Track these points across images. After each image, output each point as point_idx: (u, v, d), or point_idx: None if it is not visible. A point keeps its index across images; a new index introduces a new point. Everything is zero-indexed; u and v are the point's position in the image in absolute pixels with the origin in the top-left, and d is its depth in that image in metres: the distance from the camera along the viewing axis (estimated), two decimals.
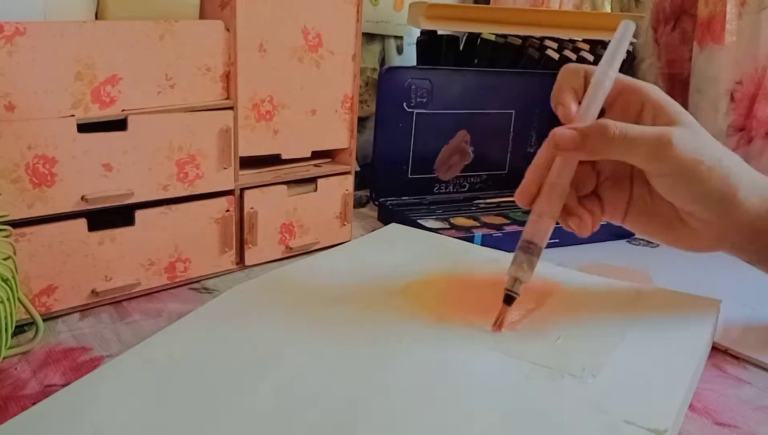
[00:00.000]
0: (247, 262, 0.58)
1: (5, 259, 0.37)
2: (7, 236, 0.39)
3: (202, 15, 0.53)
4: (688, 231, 0.42)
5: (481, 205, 0.79)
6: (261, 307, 0.43)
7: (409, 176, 0.79)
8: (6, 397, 0.37)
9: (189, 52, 0.50)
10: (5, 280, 0.37)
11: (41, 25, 0.42)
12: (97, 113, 0.46)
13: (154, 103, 0.48)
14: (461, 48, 0.87)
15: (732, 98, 0.83)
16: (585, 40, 0.86)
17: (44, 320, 0.43)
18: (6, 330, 0.37)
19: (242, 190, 0.56)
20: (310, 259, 0.52)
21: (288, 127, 0.58)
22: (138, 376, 0.34)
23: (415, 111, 0.77)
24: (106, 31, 0.45)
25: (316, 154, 0.62)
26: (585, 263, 0.57)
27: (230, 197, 0.55)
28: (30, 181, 0.43)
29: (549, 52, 0.84)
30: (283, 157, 0.59)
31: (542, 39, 0.84)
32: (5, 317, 0.37)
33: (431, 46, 0.85)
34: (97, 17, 0.49)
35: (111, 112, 0.46)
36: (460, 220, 0.71)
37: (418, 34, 0.86)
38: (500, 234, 0.66)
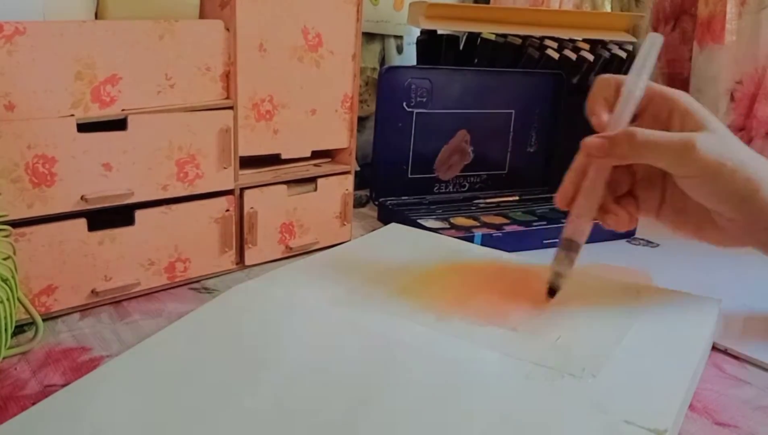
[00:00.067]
0: (247, 262, 0.58)
1: (5, 259, 0.37)
2: (6, 236, 0.39)
3: (202, 15, 0.53)
4: (717, 228, 0.44)
5: (481, 205, 0.79)
6: (261, 307, 0.43)
7: (409, 176, 0.79)
8: (6, 397, 0.37)
9: (189, 51, 0.50)
10: (5, 280, 0.37)
11: (41, 25, 0.42)
12: (97, 113, 0.46)
13: (154, 103, 0.48)
14: (461, 48, 0.87)
15: (732, 98, 0.83)
16: (585, 40, 0.86)
17: (44, 320, 0.43)
18: (6, 330, 0.37)
19: (242, 189, 0.56)
20: (310, 259, 0.51)
21: (288, 127, 0.58)
22: (138, 376, 0.34)
23: (415, 111, 0.77)
24: (106, 30, 0.45)
25: (316, 154, 0.62)
26: (585, 263, 0.57)
27: (230, 197, 0.55)
28: (30, 180, 0.43)
29: (549, 51, 0.84)
30: (283, 156, 0.59)
31: (542, 39, 0.84)
32: (5, 317, 0.36)
33: (431, 46, 0.85)
34: (97, 17, 0.48)
35: (111, 112, 0.46)
36: (460, 220, 0.71)
37: (418, 34, 0.86)
38: (500, 234, 0.66)
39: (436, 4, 0.80)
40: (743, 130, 0.81)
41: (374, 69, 0.92)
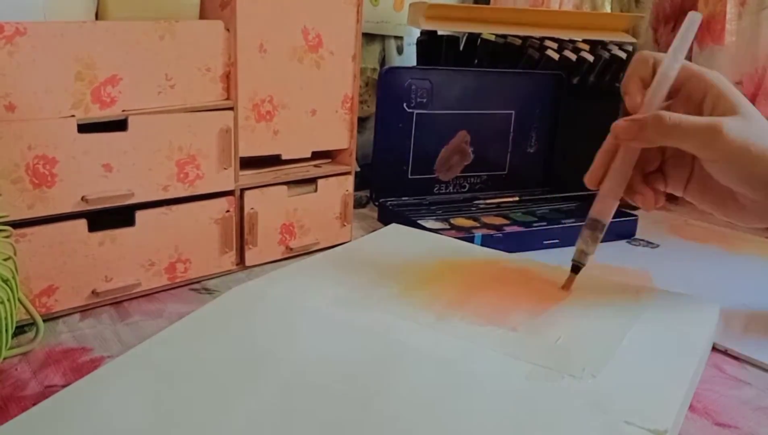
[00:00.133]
0: (248, 263, 0.58)
1: (5, 260, 0.37)
2: (7, 237, 0.39)
3: (202, 15, 0.53)
4: (740, 207, 0.45)
5: (481, 206, 0.79)
6: (261, 308, 0.43)
7: (409, 176, 0.79)
8: (6, 397, 0.37)
9: (189, 52, 0.50)
10: (5, 281, 0.37)
11: (41, 25, 0.42)
12: (97, 113, 0.46)
13: (154, 104, 0.48)
14: (461, 48, 0.87)
15: None
16: (585, 41, 0.86)
17: (44, 321, 0.44)
18: (6, 330, 0.37)
19: (242, 190, 0.56)
20: (311, 260, 0.51)
21: (288, 128, 0.58)
22: (138, 376, 0.34)
23: (415, 111, 0.77)
24: (106, 31, 0.45)
25: (316, 155, 0.62)
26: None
27: (230, 198, 0.55)
28: (30, 181, 0.43)
29: (549, 52, 0.84)
30: (283, 157, 0.59)
31: (542, 39, 0.84)
32: (5, 318, 0.37)
33: (431, 46, 0.85)
34: (97, 17, 0.49)
35: (111, 113, 0.46)
36: (460, 221, 0.71)
37: (418, 34, 0.86)
38: (500, 234, 0.66)
39: (436, 5, 0.80)
40: None
41: (374, 69, 0.92)
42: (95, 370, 0.35)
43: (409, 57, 0.96)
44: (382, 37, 0.93)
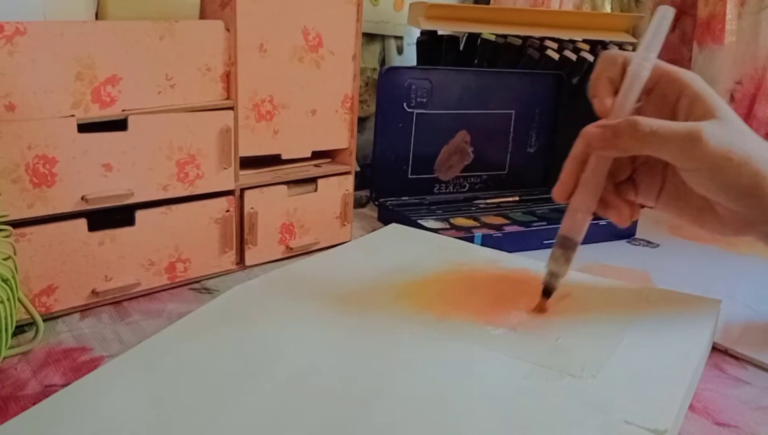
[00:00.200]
0: (247, 263, 0.58)
1: (5, 259, 0.37)
2: (7, 236, 0.39)
3: (202, 15, 0.53)
4: (717, 217, 0.43)
5: (481, 206, 0.79)
6: (261, 308, 0.43)
7: (409, 176, 0.79)
8: (6, 397, 0.37)
9: (189, 52, 0.50)
10: (5, 280, 0.37)
11: (41, 25, 0.42)
12: (97, 113, 0.46)
13: (154, 103, 0.48)
14: (461, 48, 0.87)
15: (732, 98, 0.83)
16: (585, 40, 0.86)
17: (44, 320, 0.43)
18: (6, 330, 0.37)
19: (242, 190, 0.56)
20: (310, 260, 0.52)
21: (288, 127, 0.58)
22: (138, 376, 0.34)
23: (415, 111, 0.77)
24: (106, 31, 0.45)
25: (316, 154, 0.62)
26: (585, 263, 0.57)
27: (230, 197, 0.55)
28: (30, 181, 0.43)
29: (549, 52, 0.84)
30: (283, 157, 0.59)
31: (542, 39, 0.84)
32: (5, 317, 0.36)
33: (431, 46, 0.85)
34: (97, 17, 0.49)
35: (111, 112, 0.46)
36: (460, 221, 0.71)
37: (418, 34, 0.86)
38: (500, 234, 0.66)
39: (437, 5, 0.80)
40: None
41: (374, 69, 0.92)
42: (95, 370, 0.35)
43: (409, 57, 0.96)
44: (382, 37, 0.93)
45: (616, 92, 0.42)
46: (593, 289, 0.47)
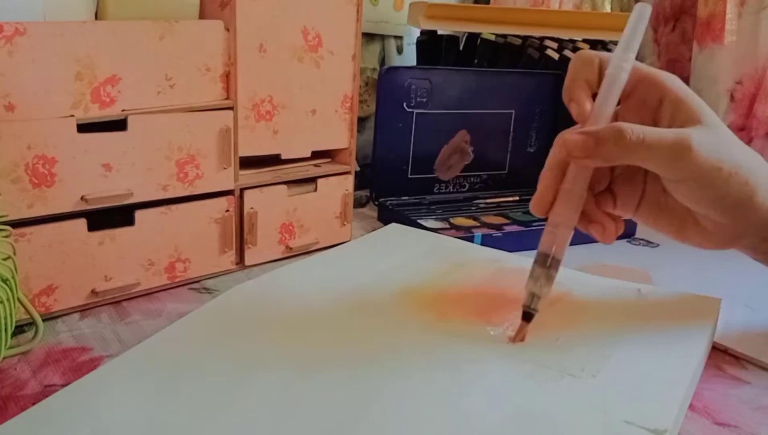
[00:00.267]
0: (247, 262, 0.58)
1: (5, 259, 0.37)
2: (7, 236, 0.39)
3: (202, 15, 0.53)
4: (701, 230, 0.41)
5: (481, 205, 0.79)
6: (261, 307, 0.43)
7: (409, 176, 0.79)
8: (6, 397, 0.37)
9: (189, 52, 0.50)
10: (5, 280, 0.37)
11: (41, 25, 0.42)
12: (97, 113, 0.46)
13: (154, 103, 0.48)
14: (461, 48, 0.87)
15: (732, 98, 0.83)
16: (585, 40, 0.86)
17: (44, 320, 0.43)
18: (6, 330, 0.37)
19: (242, 190, 0.56)
20: (310, 259, 0.51)
21: (288, 127, 0.58)
22: (138, 376, 0.34)
23: (415, 111, 0.77)
24: (106, 31, 0.45)
25: (316, 154, 0.62)
26: (585, 263, 0.57)
27: (230, 197, 0.55)
28: (30, 181, 0.43)
29: (549, 52, 0.84)
30: (283, 157, 0.59)
31: (542, 39, 0.84)
32: (5, 317, 0.36)
33: (431, 46, 0.85)
34: (97, 17, 0.48)
35: (111, 112, 0.46)
36: (460, 220, 0.71)
37: (418, 34, 0.86)
38: (500, 234, 0.66)
39: (436, 5, 0.80)
40: (743, 130, 0.81)
41: (374, 69, 0.92)
42: (95, 370, 0.35)
43: (409, 57, 0.96)
44: (382, 37, 0.93)
45: (593, 96, 0.39)
46: (593, 289, 0.47)
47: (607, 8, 1.00)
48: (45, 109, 0.43)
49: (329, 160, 0.65)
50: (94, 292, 0.48)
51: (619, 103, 0.40)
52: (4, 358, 0.39)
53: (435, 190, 0.81)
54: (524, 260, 0.53)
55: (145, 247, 0.50)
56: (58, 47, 0.43)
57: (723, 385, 0.41)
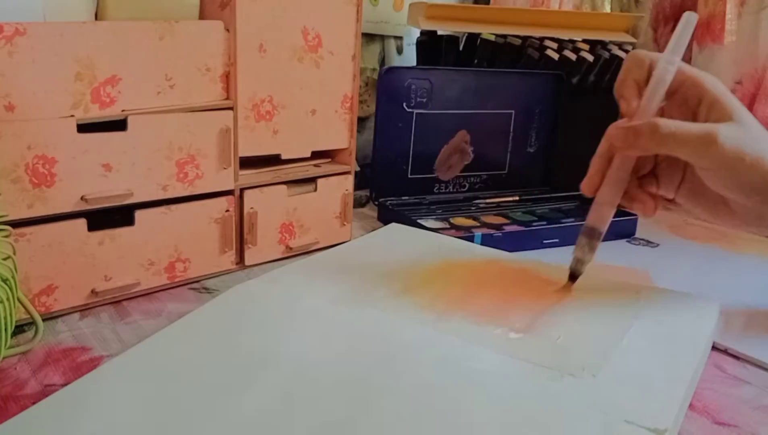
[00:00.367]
0: (247, 262, 0.58)
1: (5, 259, 0.37)
2: (7, 236, 0.39)
3: (202, 15, 0.53)
4: (730, 212, 0.45)
5: (481, 205, 0.79)
6: (261, 307, 0.43)
7: (409, 176, 0.79)
8: (6, 396, 0.37)
9: (189, 52, 0.50)
10: (5, 280, 0.37)
11: (41, 26, 0.42)
12: (97, 113, 0.46)
13: (153, 104, 0.48)
14: (461, 48, 0.87)
15: None
16: (585, 41, 0.86)
17: (44, 320, 0.44)
18: (6, 330, 0.37)
19: (242, 190, 0.56)
20: (310, 259, 0.52)
21: (288, 127, 0.58)
22: (138, 376, 0.34)
23: (415, 111, 0.77)
24: (106, 31, 0.45)
25: (316, 154, 0.62)
26: None
27: (230, 197, 0.55)
28: (30, 181, 0.43)
29: (549, 52, 0.84)
30: (283, 157, 0.59)
31: (542, 39, 0.84)
32: (5, 317, 0.37)
33: (431, 46, 0.85)
34: (97, 17, 0.49)
35: (111, 113, 0.46)
36: (460, 220, 0.71)
37: (418, 34, 0.86)
38: (500, 234, 0.66)
39: (436, 5, 0.80)
40: None
41: (374, 69, 0.92)
42: (95, 370, 0.35)
43: (409, 57, 0.96)
44: (382, 37, 0.93)
45: (640, 93, 0.44)
46: (593, 289, 0.47)
47: (607, 8, 1.00)
48: (45, 109, 0.43)
49: (329, 160, 0.65)
50: (94, 292, 0.48)
51: (664, 100, 0.45)
52: (4, 357, 0.39)
53: (435, 190, 0.81)
54: (524, 260, 0.53)
55: (145, 247, 0.50)
56: (58, 47, 0.43)
57: (723, 385, 0.41)
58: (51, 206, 0.44)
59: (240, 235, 0.57)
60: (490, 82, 0.81)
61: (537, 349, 0.38)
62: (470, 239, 0.62)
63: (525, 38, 0.84)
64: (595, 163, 0.46)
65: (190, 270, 0.53)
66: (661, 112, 0.45)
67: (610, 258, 0.62)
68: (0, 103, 0.41)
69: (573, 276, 0.47)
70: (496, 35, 0.83)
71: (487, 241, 0.63)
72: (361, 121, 0.89)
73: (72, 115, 0.44)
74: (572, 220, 0.71)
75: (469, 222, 0.71)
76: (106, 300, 0.49)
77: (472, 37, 0.85)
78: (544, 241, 0.66)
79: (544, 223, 0.71)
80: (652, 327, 0.42)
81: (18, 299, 0.39)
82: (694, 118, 0.44)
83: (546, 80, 0.84)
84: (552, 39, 0.84)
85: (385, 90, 0.75)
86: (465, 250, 0.54)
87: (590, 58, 0.85)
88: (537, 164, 0.87)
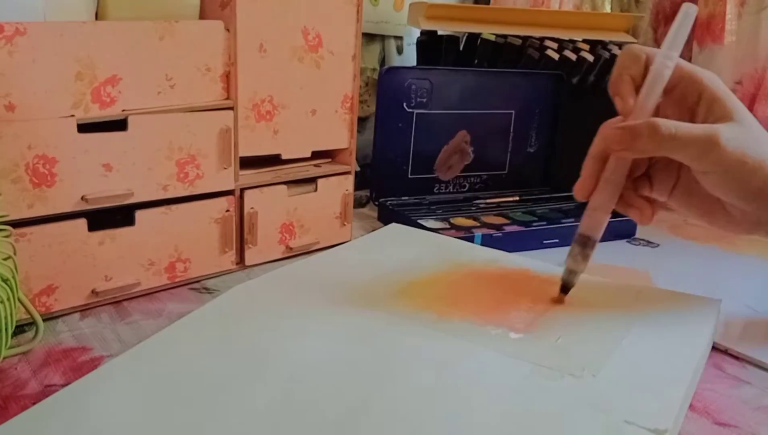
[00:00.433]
0: (247, 262, 0.58)
1: (5, 259, 0.37)
2: (7, 236, 0.39)
3: (202, 15, 0.53)
4: (727, 216, 0.43)
5: (481, 205, 0.79)
6: (261, 307, 0.43)
7: (409, 176, 0.79)
8: (6, 397, 0.37)
9: (189, 52, 0.50)
10: (5, 280, 0.37)
11: (41, 25, 0.42)
12: (97, 113, 0.46)
13: (154, 104, 0.48)
14: (461, 48, 0.87)
15: None
16: (585, 41, 0.86)
17: (44, 320, 0.44)
18: (6, 330, 0.37)
19: (242, 190, 0.56)
20: (310, 259, 0.52)
21: (288, 127, 0.58)
22: (138, 376, 0.34)
23: (415, 111, 0.77)
24: (106, 31, 0.45)
25: (316, 154, 0.62)
26: None
27: (230, 197, 0.55)
28: (30, 181, 0.43)
29: (549, 52, 0.84)
30: (283, 157, 0.59)
31: (542, 39, 0.84)
32: (5, 317, 0.37)
33: (431, 46, 0.85)
34: (97, 17, 0.49)
35: (111, 113, 0.46)
36: (460, 220, 0.71)
37: (418, 34, 0.86)
38: (500, 234, 0.66)
39: (436, 5, 0.80)
40: None
41: (374, 69, 0.92)
42: (95, 370, 0.35)
43: (409, 57, 0.96)
44: (382, 37, 0.93)
45: (637, 90, 0.42)
46: (593, 289, 0.47)
47: (607, 8, 1.00)
48: (45, 109, 0.43)
49: (329, 160, 0.65)
50: (94, 292, 0.48)
51: (661, 97, 0.42)
52: (4, 357, 0.39)
53: (435, 190, 0.81)
54: (524, 260, 0.53)
55: (146, 247, 0.50)
56: (59, 47, 0.43)
57: (723, 385, 0.41)
58: (51, 206, 0.44)
59: (240, 235, 0.57)
60: (491, 82, 0.81)
61: (537, 349, 0.38)
62: (470, 239, 0.62)
63: (525, 38, 0.84)
64: (588, 166, 0.43)
65: (191, 270, 0.53)
66: (656, 110, 0.43)
67: (610, 258, 0.62)
68: (0, 103, 0.41)
69: (565, 288, 0.44)
70: (497, 35, 0.83)
71: (487, 241, 0.63)
72: (362, 121, 0.89)
73: (72, 115, 0.44)
74: (572, 220, 0.71)
75: (469, 222, 0.71)
76: (106, 300, 0.49)
77: (473, 37, 0.85)
78: (544, 241, 0.66)
79: (544, 223, 0.71)
80: (652, 327, 0.42)
81: (18, 299, 0.39)
82: (691, 117, 0.42)
83: (546, 80, 0.84)
84: (552, 39, 0.84)
85: (385, 90, 0.75)
86: (465, 251, 0.54)
87: (590, 58, 0.85)
88: (537, 164, 0.87)
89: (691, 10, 0.42)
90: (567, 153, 0.84)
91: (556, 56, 0.84)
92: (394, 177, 0.78)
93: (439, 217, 0.72)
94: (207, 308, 0.42)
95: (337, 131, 0.63)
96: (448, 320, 0.41)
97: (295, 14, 0.56)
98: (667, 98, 0.43)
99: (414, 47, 0.88)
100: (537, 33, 0.84)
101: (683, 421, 0.36)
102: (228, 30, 0.52)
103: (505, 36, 0.83)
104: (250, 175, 0.57)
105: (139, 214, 0.49)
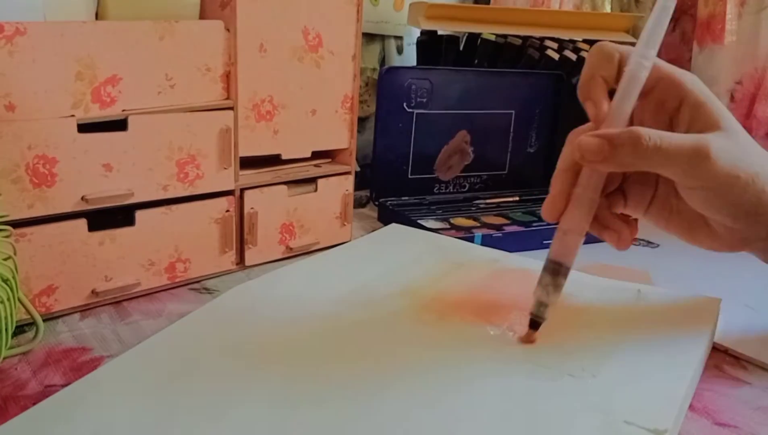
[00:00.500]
0: (247, 263, 0.58)
1: (5, 260, 0.37)
2: (7, 236, 0.39)
3: (202, 15, 0.53)
4: (711, 232, 0.40)
5: (481, 206, 0.79)
6: (261, 308, 0.43)
7: (409, 176, 0.79)
8: (6, 397, 0.37)
9: (189, 52, 0.50)
10: (5, 280, 0.37)
11: (41, 25, 0.42)
12: (97, 113, 0.46)
13: (154, 103, 0.48)
14: (461, 48, 0.87)
15: (732, 98, 0.83)
16: (585, 41, 0.86)
17: (44, 320, 0.43)
18: (6, 330, 0.37)
19: (242, 190, 0.56)
20: (310, 260, 0.52)
21: (288, 127, 0.58)
22: (138, 376, 0.34)
23: (415, 111, 0.77)
24: (106, 31, 0.45)
25: (316, 154, 0.62)
26: (585, 263, 0.57)
27: (230, 197, 0.55)
28: (30, 181, 0.43)
29: (549, 52, 0.84)
30: (283, 157, 0.59)
31: (542, 39, 0.84)
32: (5, 317, 0.37)
33: (431, 46, 0.85)
34: (97, 17, 0.49)
35: (111, 112, 0.46)
36: (460, 221, 0.71)
37: (418, 34, 0.86)
38: (500, 234, 0.66)
39: (437, 5, 0.80)
40: None
41: (374, 69, 0.92)
42: (95, 370, 0.35)
43: (409, 57, 0.96)
44: (382, 37, 0.93)
45: (610, 93, 0.38)
46: (593, 290, 0.47)
47: (607, 8, 1.00)
48: (45, 109, 0.43)
49: (329, 160, 0.65)
50: (94, 292, 0.48)
51: (637, 100, 0.38)
52: (4, 358, 0.39)
53: (435, 190, 0.81)
54: (524, 260, 0.53)
55: (146, 247, 0.50)
56: (59, 47, 0.43)
57: (723, 385, 0.41)
58: (51, 206, 0.44)
59: (240, 235, 0.57)
60: (491, 82, 0.81)
61: (537, 349, 0.38)
62: (470, 240, 0.62)
63: (525, 38, 0.84)
64: (558, 182, 0.38)
65: (191, 270, 0.53)
66: (631, 117, 0.38)
67: (610, 258, 0.62)
68: (0, 103, 0.41)
69: (535, 323, 0.38)
70: (497, 35, 0.83)
71: (487, 241, 0.63)
72: (362, 121, 0.89)
73: (72, 115, 0.44)
74: None
75: (469, 222, 0.71)
76: (106, 300, 0.49)
77: (473, 37, 0.85)
78: (544, 242, 0.66)
79: (544, 223, 0.70)
80: (652, 327, 0.42)
81: (18, 299, 0.39)
82: (671, 124, 0.38)
83: (546, 80, 0.84)
84: (552, 39, 0.84)
85: (385, 90, 0.75)
86: (465, 251, 0.54)
87: None
88: (537, 164, 0.87)
89: (669, 2, 0.37)
90: None
91: (556, 56, 0.84)
92: (394, 177, 0.78)
93: (439, 217, 0.72)
94: (207, 308, 0.42)
95: (337, 131, 0.63)
96: (448, 321, 0.41)
97: (295, 14, 0.56)
98: (643, 102, 0.39)
99: (414, 47, 0.88)
100: (537, 33, 0.84)
101: (683, 421, 0.36)
102: (228, 30, 0.52)
103: (505, 36, 0.83)
104: (250, 175, 0.57)
105: (139, 215, 0.49)
